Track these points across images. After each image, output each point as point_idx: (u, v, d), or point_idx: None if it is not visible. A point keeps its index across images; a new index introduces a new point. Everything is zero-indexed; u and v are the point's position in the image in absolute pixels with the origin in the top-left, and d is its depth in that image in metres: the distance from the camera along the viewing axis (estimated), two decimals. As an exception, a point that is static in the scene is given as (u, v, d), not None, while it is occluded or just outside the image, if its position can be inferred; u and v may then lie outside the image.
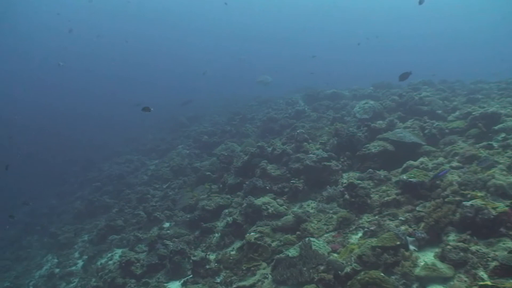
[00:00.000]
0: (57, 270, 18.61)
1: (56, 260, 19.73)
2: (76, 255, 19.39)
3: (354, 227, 10.67)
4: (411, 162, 12.07)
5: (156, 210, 18.44)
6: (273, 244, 11.21)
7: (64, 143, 44.74)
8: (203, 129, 29.79)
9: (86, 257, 18.22)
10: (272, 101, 34.13)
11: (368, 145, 14.20)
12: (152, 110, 14.88)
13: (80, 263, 18.37)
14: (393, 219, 10.07)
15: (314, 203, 13.08)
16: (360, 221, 10.78)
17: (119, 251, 17.14)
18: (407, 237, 8.76)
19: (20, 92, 72.90)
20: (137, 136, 38.97)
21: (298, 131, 17.09)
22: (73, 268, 18.14)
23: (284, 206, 13.23)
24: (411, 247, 8.59)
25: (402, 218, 9.83)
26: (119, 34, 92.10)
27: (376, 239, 9.04)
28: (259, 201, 13.39)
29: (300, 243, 10.13)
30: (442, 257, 7.88)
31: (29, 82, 75.39)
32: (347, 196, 11.61)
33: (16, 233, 26.06)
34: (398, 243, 8.46)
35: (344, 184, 12.34)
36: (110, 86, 79.17)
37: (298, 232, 11.25)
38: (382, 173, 12.53)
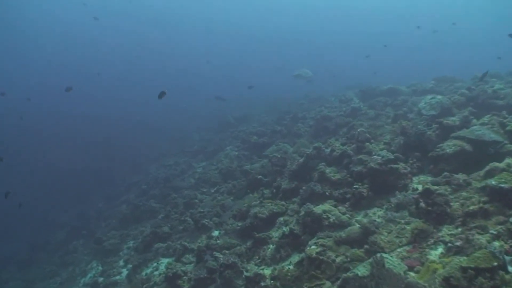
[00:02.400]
0: (101, 279, 17.84)
1: (100, 268, 19.01)
2: (121, 263, 18.55)
3: (432, 241, 9.13)
4: (496, 164, 10.32)
5: (204, 217, 17.28)
6: (338, 259, 9.80)
7: (112, 145, 44.69)
8: (252, 129, 28.53)
9: (131, 266, 17.28)
10: (323, 99, 32.73)
11: (441, 144, 12.53)
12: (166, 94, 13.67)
13: (125, 272, 17.49)
14: (482, 232, 8.45)
15: (380, 211, 11.58)
16: (440, 234, 9.21)
17: (165, 261, 16.13)
18: (505, 256, 7.19)
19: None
20: (184, 137, 38.23)
21: (358, 130, 15.51)
22: (118, 277, 17.33)
23: (347, 215, 11.77)
24: (510, 269, 7.02)
25: (494, 232, 8.19)
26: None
27: (465, 257, 7.54)
28: (318, 209, 11.98)
29: (370, 260, 8.69)
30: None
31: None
32: (422, 204, 10.02)
33: (63, 237, 25.73)
34: (495, 263, 6.93)
35: (418, 190, 10.77)
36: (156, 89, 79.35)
37: (366, 246, 9.80)
38: (460, 176, 10.86)
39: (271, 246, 12.64)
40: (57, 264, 22.11)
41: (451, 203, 9.83)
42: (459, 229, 9.01)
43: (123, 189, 30.75)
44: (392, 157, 12.92)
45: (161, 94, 13.87)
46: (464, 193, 10.20)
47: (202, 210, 18.04)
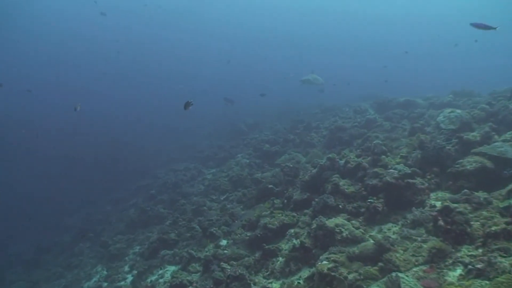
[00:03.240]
0: (105, 284, 17.51)
1: (105, 272, 18.68)
2: (126, 268, 18.19)
3: (451, 261, 8.68)
4: (519, 183, 9.88)
5: (213, 225, 16.89)
6: (350, 276, 9.35)
7: (122, 149, 44.52)
8: (264, 137, 28.14)
9: (136, 272, 16.92)
10: (337, 109, 32.24)
11: (461, 160, 12.05)
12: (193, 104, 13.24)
13: (130, 278, 17.11)
14: (505, 255, 8.00)
15: (396, 227, 11.14)
16: (459, 254, 8.76)
17: (171, 269, 15.78)
18: (530, 282, 6.75)
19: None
20: (194, 143, 37.91)
21: (374, 142, 15.05)
22: (122, 283, 16.96)
23: (360, 230, 11.35)
24: (536, 296, 6.57)
25: (518, 255, 7.78)
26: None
27: (487, 282, 7.11)
28: (331, 222, 11.57)
29: (385, 279, 8.27)
30: None
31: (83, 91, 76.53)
32: (441, 222, 9.57)
33: (70, 239, 25.49)
34: (520, 290, 6.50)
35: (437, 208, 10.32)
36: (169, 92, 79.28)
37: (380, 263, 9.35)
38: (481, 195, 10.39)
39: (280, 258, 12.23)
40: (63, 266, 21.78)
41: (471, 223, 9.38)
42: (480, 251, 8.56)
43: (131, 193, 30.42)
44: (409, 171, 12.48)
45: (187, 104, 13.49)
46: (484, 212, 9.72)
47: (210, 218, 17.66)
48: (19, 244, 27.32)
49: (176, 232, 18.40)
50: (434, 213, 10.00)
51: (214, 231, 16.15)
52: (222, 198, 20.95)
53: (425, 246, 9.46)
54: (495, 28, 13.76)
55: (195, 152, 34.27)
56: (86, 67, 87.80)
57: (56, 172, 40.69)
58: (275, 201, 16.08)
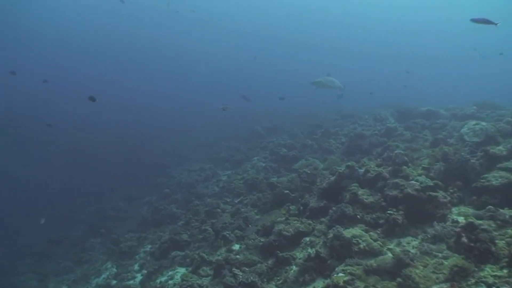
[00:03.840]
0: (114, 282, 17.34)
1: (115, 270, 18.53)
2: (136, 267, 18.00)
3: (473, 281, 8.26)
4: (548, 202, 9.45)
5: (226, 228, 16.61)
6: (367, 291, 9.02)
7: (139, 144, 44.44)
8: (281, 141, 27.84)
9: (146, 271, 16.73)
10: (357, 116, 31.88)
11: (486, 175, 11.62)
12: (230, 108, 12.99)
13: (139, 277, 16.92)
14: (532, 278, 7.63)
15: (415, 241, 10.72)
16: (482, 274, 8.36)
17: (181, 271, 15.51)
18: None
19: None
20: (211, 143, 37.68)
21: (396, 151, 14.64)
22: (131, 282, 16.78)
23: (378, 242, 10.93)
24: None
25: (546, 278, 7.38)
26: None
27: (513, 305, 6.72)
28: (348, 233, 11.19)
29: (404, 296, 7.93)
30: None
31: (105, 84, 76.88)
32: (464, 239, 9.16)
33: (81, 233, 25.43)
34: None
35: (460, 224, 9.92)
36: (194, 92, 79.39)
37: (399, 279, 8.98)
38: (507, 212, 9.95)
39: (294, 267, 11.85)
40: (73, 261, 21.72)
41: (496, 241, 8.97)
42: (505, 271, 8.16)
43: (145, 190, 30.35)
44: (431, 184, 12.04)
45: (225, 108, 13.31)
46: (510, 231, 9.31)
47: (224, 221, 17.37)
48: (30, 235, 27.26)
49: (188, 233, 18.18)
50: (458, 229, 9.58)
51: (227, 235, 15.87)
52: (236, 201, 20.67)
53: (446, 263, 9.06)
54: (496, 24, 13.48)
55: (211, 153, 34.12)
56: (109, 60, 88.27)
57: (71, 164, 40.72)
58: (290, 207, 15.72)
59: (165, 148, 41.93)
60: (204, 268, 14.42)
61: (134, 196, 30.04)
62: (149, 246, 19.57)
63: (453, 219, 10.72)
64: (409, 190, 11.87)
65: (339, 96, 25.89)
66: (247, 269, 12.38)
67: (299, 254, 12.38)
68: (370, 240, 10.97)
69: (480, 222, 9.41)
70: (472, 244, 8.99)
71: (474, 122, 16.29)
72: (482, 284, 8.07)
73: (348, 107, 37.98)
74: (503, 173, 11.30)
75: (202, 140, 40.48)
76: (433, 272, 9.01)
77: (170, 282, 14.93)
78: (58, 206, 30.89)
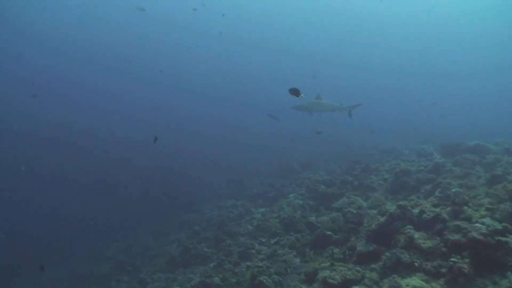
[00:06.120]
0: (139, 330, 16.14)
1: (141, 315, 17.34)
2: (163, 312, 16.78)
3: None
4: None
5: (263, 273, 15.22)
6: None
7: (168, 177, 43.43)
8: (318, 177, 26.31)
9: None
10: (396, 152, 30.54)
11: None
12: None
13: (166, 325, 15.69)
14: None
15: (485, 295, 9.27)
16: None
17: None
18: None
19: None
20: (243, 179, 36.44)
21: (454, 190, 13.22)
22: (157, 328, 15.54)
23: (443, 296, 9.51)
24: None
25: None
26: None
27: None
28: (406, 283, 9.77)
29: None
30: None
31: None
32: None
33: (107, 270, 24.43)
34: None
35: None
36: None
37: None
38: None
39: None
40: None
41: None
42: None
43: (174, 227, 29.24)
44: (500, 227, 10.55)
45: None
46: None
47: (260, 265, 15.99)
48: (54, 270, 26.28)
49: (221, 276, 16.80)
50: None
51: (264, 280, 14.47)
52: (272, 242, 19.25)
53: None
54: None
55: (244, 189, 32.97)
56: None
57: (98, 194, 39.82)
58: (334, 251, 14.30)
59: (195, 182, 41.01)
60: (237, 317, 13.08)
61: (164, 232, 29.00)
62: (178, 289, 18.31)
63: (531, 271, 9.25)
64: (474, 234, 10.39)
65: (348, 115, 24.36)
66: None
67: (350, 308, 10.94)
68: (434, 293, 9.52)
69: None
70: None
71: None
72: None
73: (384, 140, 36.96)
74: None
75: (233, 176, 39.24)
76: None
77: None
78: (83, 240, 29.96)
